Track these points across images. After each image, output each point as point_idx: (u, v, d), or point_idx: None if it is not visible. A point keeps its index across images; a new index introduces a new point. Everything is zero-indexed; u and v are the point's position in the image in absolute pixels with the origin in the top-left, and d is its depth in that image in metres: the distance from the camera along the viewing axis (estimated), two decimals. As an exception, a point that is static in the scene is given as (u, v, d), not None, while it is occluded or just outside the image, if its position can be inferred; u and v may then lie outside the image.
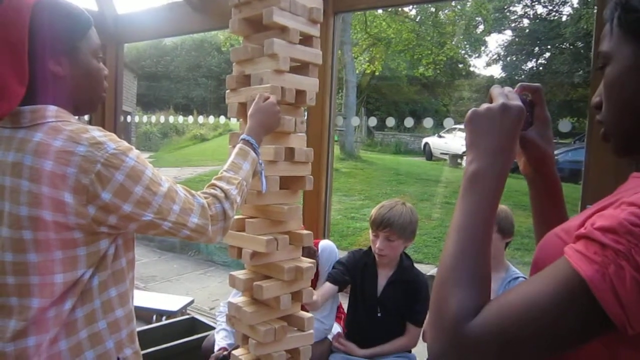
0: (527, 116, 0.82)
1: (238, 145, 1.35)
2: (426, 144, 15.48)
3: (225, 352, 2.04)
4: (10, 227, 1.03)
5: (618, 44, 0.69)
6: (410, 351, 2.27)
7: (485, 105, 0.75)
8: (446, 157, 13.57)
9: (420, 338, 2.24)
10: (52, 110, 1.08)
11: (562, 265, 0.59)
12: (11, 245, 1.04)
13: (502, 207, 2.00)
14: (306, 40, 1.51)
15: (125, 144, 1.10)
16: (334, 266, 2.24)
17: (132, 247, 1.21)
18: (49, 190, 1.01)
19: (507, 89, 0.78)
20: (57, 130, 1.05)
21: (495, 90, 0.78)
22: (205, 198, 1.19)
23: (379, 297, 2.20)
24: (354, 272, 2.24)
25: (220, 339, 2.14)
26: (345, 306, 2.52)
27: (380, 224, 2.10)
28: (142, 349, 2.33)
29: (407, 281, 2.19)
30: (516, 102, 0.74)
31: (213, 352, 2.10)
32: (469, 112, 0.76)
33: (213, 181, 1.26)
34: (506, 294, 0.62)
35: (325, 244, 2.31)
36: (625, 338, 0.57)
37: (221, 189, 1.22)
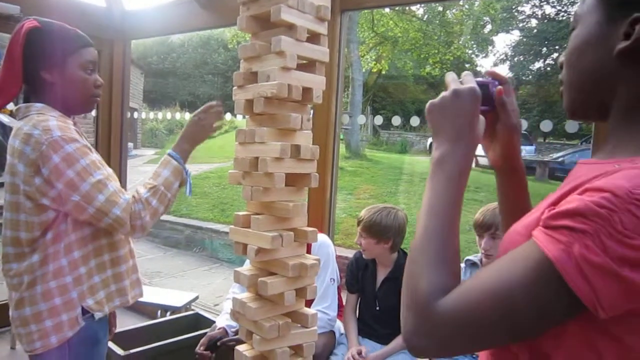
0: (488, 96, 0.82)
1: (162, 157, 1.60)
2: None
3: (227, 339, 2.08)
4: (5, 192, 1.42)
5: (588, 10, 0.70)
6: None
7: (441, 95, 0.77)
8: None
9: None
10: (37, 106, 1.45)
11: (529, 248, 0.59)
12: (4, 205, 1.44)
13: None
14: (313, 38, 1.51)
15: (71, 135, 1.39)
16: (346, 275, 2.48)
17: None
18: (16, 162, 1.38)
19: (464, 73, 0.79)
20: (31, 119, 1.40)
21: (448, 77, 0.79)
22: (132, 198, 1.44)
23: (377, 293, 2.34)
24: (357, 273, 2.43)
25: (222, 321, 2.19)
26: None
27: (357, 221, 2.37)
28: (146, 344, 2.36)
29: (400, 277, 2.23)
30: (468, 85, 0.75)
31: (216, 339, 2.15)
32: (427, 104, 0.78)
33: (136, 187, 1.53)
34: (476, 275, 0.63)
35: (318, 237, 2.34)
36: (601, 326, 0.57)
37: (137, 192, 1.48)
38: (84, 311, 1.47)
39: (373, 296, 2.34)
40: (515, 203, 0.91)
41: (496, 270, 0.61)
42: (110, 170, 1.54)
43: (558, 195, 0.65)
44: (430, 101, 0.77)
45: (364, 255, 2.36)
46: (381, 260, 2.35)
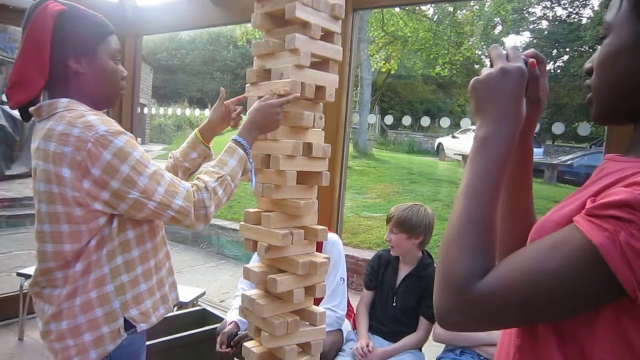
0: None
1: (227, 144, 1.43)
2: (440, 144, 15.39)
3: (239, 333, 2.10)
4: (38, 202, 1.28)
5: (623, 19, 0.70)
6: (420, 349, 2.31)
7: (485, 71, 0.74)
8: (459, 157, 13.49)
9: (430, 335, 2.28)
10: (63, 102, 1.28)
11: (571, 233, 0.60)
12: (36, 217, 1.29)
13: None
14: (327, 36, 1.51)
15: (117, 128, 1.26)
16: (366, 272, 2.50)
17: (139, 223, 1.36)
18: (53, 167, 1.21)
19: (509, 47, 0.77)
20: (62, 117, 1.24)
21: (494, 52, 0.76)
22: (191, 186, 1.32)
23: (396, 289, 2.37)
24: (379, 270, 2.46)
25: (232, 315, 2.20)
26: (353, 302, 2.57)
27: (387, 217, 2.40)
28: (153, 339, 2.37)
29: (423, 276, 2.34)
30: (516, 63, 0.73)
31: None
32: (471, 81, 0.76)
33: (198, 175, 1.39)
34: (514, 257, 0.64)
35: (330, 236, 2.35)
36: (633, 314, 0.59)
37: (202, 180, 1.35)
38: (127, 323, 1.34)
39: (392, 292, 2.38)
40: (517, 182, 0.89)
41: (535, 253, 0.62)
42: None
43: (599, 187, 0.66)
44: (475, 78, 0.75)
45: (392, 252, 2.39)
46: (406, 258, 2.38)
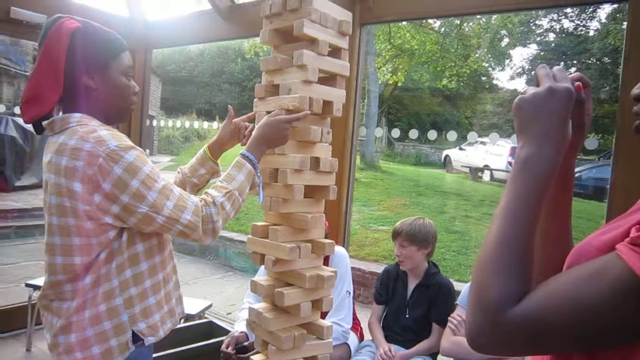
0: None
1: (236, 158, 1.44)
2: (447, 156, 15.38)
3: (246, 343, 2.10)
4: (49, 215, 1.29)
5: None
6: (432, 356, 2.36)
7: (531, 90, 0.72)
8: (467, 170, 13.46)
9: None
10: (76, 117, 1.31)
11: (614, 262, 0.58)
12: (47, 229, 1.31)
13: None
14: (335, 51, 1.53)
15: (127, 143, 1.28)
16: (377, 286, 2.60)
17: (148, 237, 1.38)
18: (65, 181, 1.24)
19: (556, 68, 0.75)
20: (74, 132, 1.26)
21: (541, 71, 0.75)
22: (199, 201, 1.34)
23: (408, 301, 2.46)
24: (388, 284, 2.55)
25: (241, 326, 2.21)
26: (359, 315, 2.57)
27: (394, 233, 2.46)
28: (160, 351, 2.37)
29: (431, 285, 2.42)
30: (564, 83, 0.71)
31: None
32: (516, 99, 0.74)
33: (206, 190, 1.40)
34: (551, 283, 0.62)
35: (336, 249, 2.36)
36: None
37: (210, 195, 1.36)
38: (134, 336, 1.35)
39: (404, 305, 2.46)
40: (557, 206, 0.86)
41: (574, 280, 0.60)
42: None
43: None
44: (520, 96, 0.73)
45: (402, 267, 2.46)
46: (414, 271, 2.46)
